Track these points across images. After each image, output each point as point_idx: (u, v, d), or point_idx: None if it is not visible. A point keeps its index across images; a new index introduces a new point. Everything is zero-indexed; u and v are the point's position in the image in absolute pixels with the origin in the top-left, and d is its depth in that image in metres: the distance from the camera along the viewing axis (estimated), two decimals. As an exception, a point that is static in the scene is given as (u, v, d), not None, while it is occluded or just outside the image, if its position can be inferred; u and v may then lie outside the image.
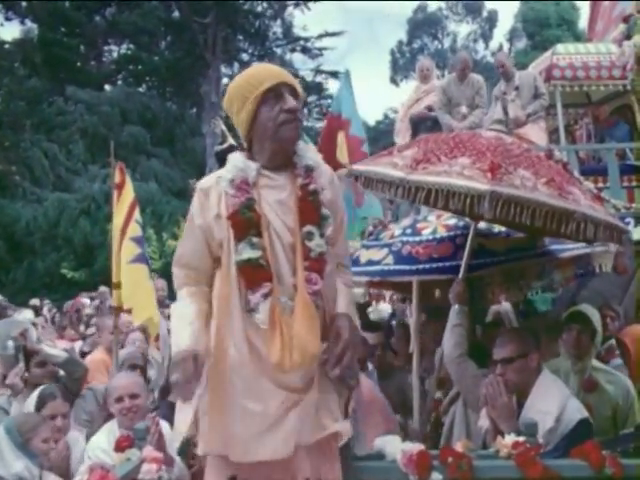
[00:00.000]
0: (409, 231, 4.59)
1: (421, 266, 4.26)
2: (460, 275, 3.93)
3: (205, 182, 2.55)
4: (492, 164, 3.09)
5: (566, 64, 8.91)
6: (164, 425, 3.23)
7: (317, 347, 2.38)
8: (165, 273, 16.16)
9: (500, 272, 4.34)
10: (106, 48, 32.37)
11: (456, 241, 4.28)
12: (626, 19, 4.01)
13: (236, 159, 2.52)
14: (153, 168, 25.94)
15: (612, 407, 3.65)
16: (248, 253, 2.38)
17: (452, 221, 4.47)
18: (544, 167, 3.32)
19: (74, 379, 4.35)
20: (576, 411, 3.06)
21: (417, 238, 4.45)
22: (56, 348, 4.62)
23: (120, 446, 2.83)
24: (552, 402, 3.07)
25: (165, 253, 17.76)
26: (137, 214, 5.15)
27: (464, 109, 7.45)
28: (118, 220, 5.08)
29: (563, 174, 3.42)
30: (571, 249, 4.41)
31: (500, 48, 36.52)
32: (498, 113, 7.26)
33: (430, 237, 4.41)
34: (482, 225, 4.27)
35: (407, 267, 4.31)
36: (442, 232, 4.39)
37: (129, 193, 5.18)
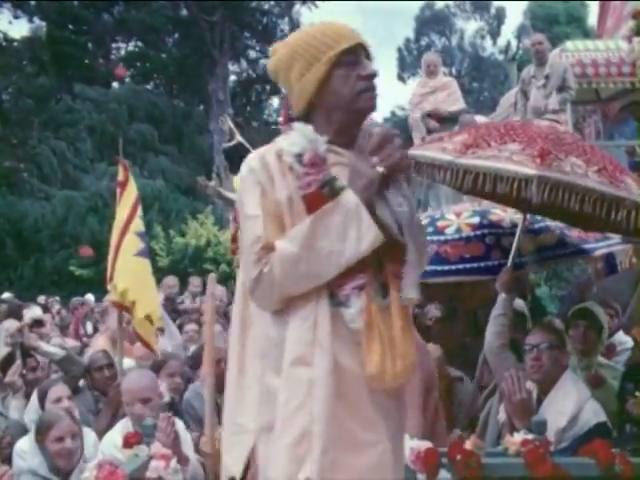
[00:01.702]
0: (430, 229, 4.42)
1: (454, 267, 4.17)
2: (508, 264, 3.86)
3: (264, 153, 2.05)
4: (542, 150, 3.11)
5: (575, 61, 8.90)
6: (179, 424, 3.25)
7: (415, 356, 1.99)
8: (172, 270, 16.18)
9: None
10: (114, 46, 32.41)
11: (486, 240, 4.23)
12: (636, 15, 3.98)
13: (303, 129, 2.05)
14: (160, 165, 25.98)
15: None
16: None
17: (475, 219, 4.41)
18: (596, 156, 3.33)
19: (71, 377, 4.35)
20: (593, 414, 3.04)
21: (442, 237, 4.34)
22: (54, 346, 4.63)
23: (128, 442, 2.84)
24: (570, 402, 3.06)
25: (172, 250, 17.75)
26: (140, 211, 5.13)
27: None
28: (121, 216, 5.04)
29: (616, 164, 3.41)
30: (601, 247, 4.39)
31: (508, 45, 36.38)
32: (510, 97, 7.17)
33: (456, 236, 4.32)
34: (507, 224, 4.24)
35: (438, 267, 4.17)
36: (468, 231, 4.31)
37: (132, 190, 5.16)
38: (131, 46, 32.69)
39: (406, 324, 1.98)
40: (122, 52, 32.99)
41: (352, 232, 1.92)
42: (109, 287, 4.91)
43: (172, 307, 7.23)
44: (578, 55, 8.89)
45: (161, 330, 5.42)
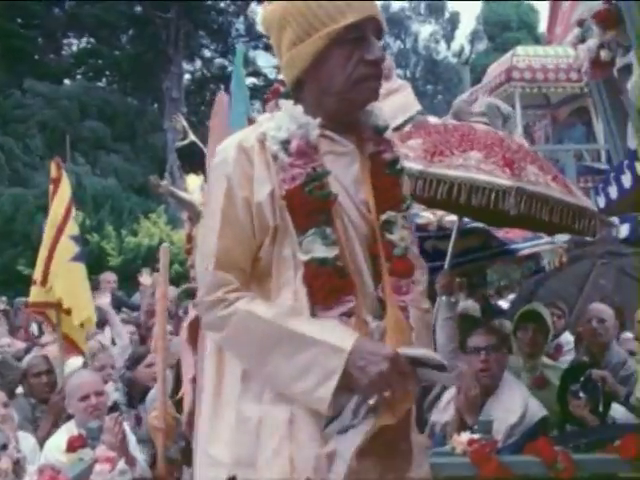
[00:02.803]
0: None
1: None
2: (445, 266, 3.91)
3: (242, 139, 1.71)
4: (505, 159, 3.12)
5: (525, 66, 9.06)
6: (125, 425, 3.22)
7: (414, 380, 1.64)
8: (123, 270, 15.98)
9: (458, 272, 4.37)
10: (65, 41, 31.84)
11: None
12: (581, 23, 4.09)
13: (292, 110, 1.72)
14: (113, 164, 25.56)
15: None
16: (321, 250, 1.64)
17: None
18: (544, 163, 3.38)
19: (7, 382, 4.25)
20: (538, 408, 3.13)
21: None
22: None
23: (72, 446, 2.79)
24: (517, 399, 3.13)
25: (124, 250, 17.54)
26: (74, 212, 5.08)
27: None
28: (55, 215, 4.97)
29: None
30: (527, 247, 4.47)
31: (462, 49, 36.87)
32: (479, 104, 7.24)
33: None
34: (433, 227, 4.29)
35: None
36: None
37: (66, 190, 5.08)
38: (83, 42, 32.16)
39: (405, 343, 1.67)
40: (74, 48, 32.44)
41: (311, 379, 1.57)
42: (38, 287, 4.81)
43: (122, 303, 7.10)
44: (528, 60, 9.06)
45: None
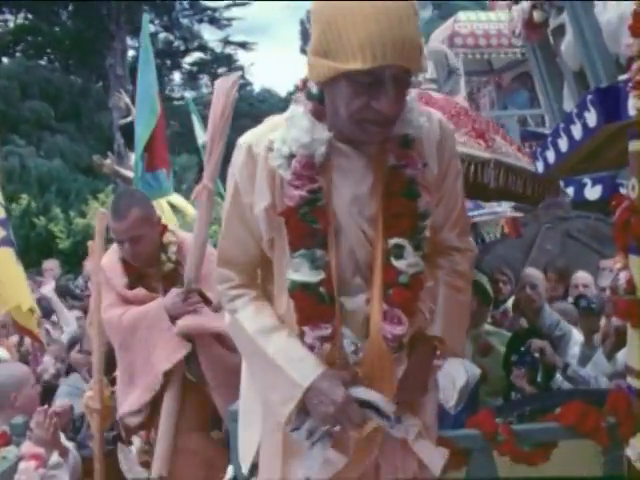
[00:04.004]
0: None
1: None
2: None
3: (253, 142, 1.68)
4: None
5: (468, 32, 9.03)
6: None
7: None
8: (72, 253, 15.66)
9: None
10: (0, 17, 30.74)
11: None
12: (516, -15, 4.04)
13: (300, 121, 1.63)
14: (58, 144, 24.98)
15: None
16: (305, 274, 1.63)
17: None
18: (464, 120, 3.36)
19: None
20: (474, 368, 3.10)
21: None
22: None
23: (-5, 444, 2.65)
24: (457, 364, 3.09)
25: (73, 232, 17.17)
26: (0, 196, 4.80)
27: None
28: None
29: (484, 125, 3.45)
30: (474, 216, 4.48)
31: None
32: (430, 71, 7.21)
33: None
34: None
35: None
36: None
37: None
38: (20, 18, 31.05)
39: (381, 386, 1.67)
40: (10, 24, 31.33)
41: (276, 395, 1.71)
42: None
43: (67, 292, 6.91)
44: (471, 26, 9.02)
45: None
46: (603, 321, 3.65)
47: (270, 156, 1.65)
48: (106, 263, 3.07)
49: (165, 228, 3.10)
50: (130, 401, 2.93)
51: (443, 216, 1.81)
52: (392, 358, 1.70)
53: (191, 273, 2.91)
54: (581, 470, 2.36)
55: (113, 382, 3.19)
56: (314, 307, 1.64)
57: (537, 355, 3.28)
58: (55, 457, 2.88)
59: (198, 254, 2.91)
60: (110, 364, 3.20)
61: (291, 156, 1.62)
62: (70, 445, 3.06)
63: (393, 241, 1.64)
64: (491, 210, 4.66)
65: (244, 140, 1.71)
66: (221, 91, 2.90)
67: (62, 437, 3.00)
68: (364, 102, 1.51)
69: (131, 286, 2.99)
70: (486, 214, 4.69)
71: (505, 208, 4.67)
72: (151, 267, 3.02)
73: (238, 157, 1.69)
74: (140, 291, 2.97)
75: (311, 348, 1.67)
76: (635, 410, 2.31)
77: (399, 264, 1.64)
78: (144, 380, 2.90)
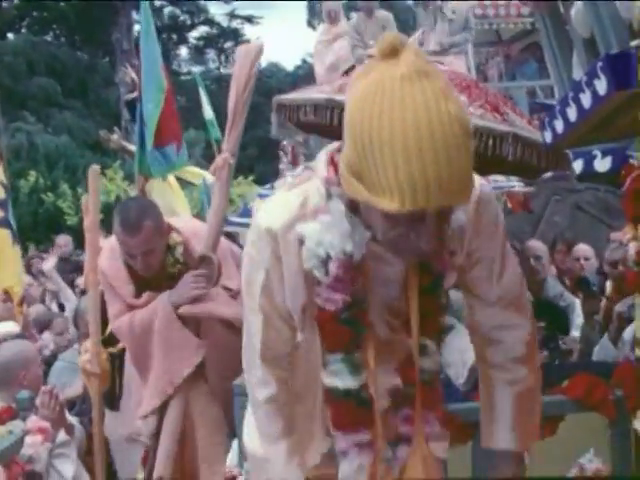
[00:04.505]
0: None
1: None
2: None
3: (279, 232, 1.48)
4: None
5: (476, 2, 8.88)
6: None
7: None
8: (81, 229, 15.62)
9: None
10: (5, -7, 30.56)
11: None
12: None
13: (338, 220, 1.43)
14: (66, 120, 24.99)
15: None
16: (346, 380, 1.51)
17: None
18: (476, 92, 3.35)
19: None
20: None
21: None
22: None
23: (0, 418, 2.65)
24: (466, 337, 3.07)
25: (81, 208, 17.17)
26: (2, 175, 4.76)
27: (371, 44, 7.39)
28: None
29: (496, 98, 3.44)
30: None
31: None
32: (433, 43, 7.16)
33: None
34: None
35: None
36: None
37: None
38: (24, -7, 30.88)
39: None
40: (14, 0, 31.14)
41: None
42: None
43: (69, 267, 6.92)
44: (479, -5, 8.91)
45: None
46: (604, 302, 3.65)
47: (302, 253, 1.46)
48: (108, 269, 2.85)
49: (170, 228, 2.86)
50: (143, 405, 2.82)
51: (484, 277, 1.61)
52: (439, 467, 1.63)
53: (209, 249, 2.77)
54: (588, 443, 2.35)
55: (104, 343, 3.13)
56: (355, 413, 1.53)
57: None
58: (62, 435, 2.87)
59: (215, 230, 2.79)
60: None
61: (328, 259, 1.44)
62: (74, 420, 3.06)
63: (417, 340, 1.55)
64: (496, 185, 4.59)
65: (268, 226, 1.49)
66: (245, 60, 2.74)
67: (66, 413, 3.00)
68: (401, 232, 1.33)
69: (137, 292, 2.81)
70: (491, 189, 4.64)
71: (512, 182, 4.60)
72: (158, 272, 2.83)
73: (263, 245, 1.50)
74: (149, 297, 2.79)
75: (344, 454, 1.55)
76: (643, 382, 2.29)
77: (423, 363, 1.56)
78: (157, 384, 2.77)
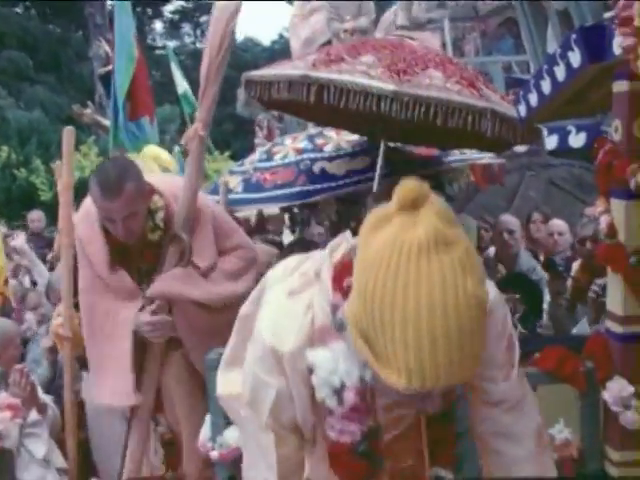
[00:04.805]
0: (264, 156, 4.47)
1: (264, 194, 4.16)
2: (374, 188, 3.80)
3: (286, 355, 1.41)
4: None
5: (453, -25, 8.85)
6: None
7: None
8: (55, 204, 15.44)
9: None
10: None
11: (300, 166, 4.20)
12: None
13: (353, 354, 1.35)
14: (38, 95, 24.55)
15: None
16: None
17: (302, 144, 4.37)
18: (451, 68, 3.33)
19: None
20: None
21: (268, 164, 4.36)
22: None
23: (-30, 395, 2.63)
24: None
25: (55, 183, 16.97)
26: None
27: (347, 18, 7.34)
28: None
29: (470, 74, 3.45)
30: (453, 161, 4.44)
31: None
32: (402, 18, 7.17)
33: (280, 162, 4.32)
34: (329, 148, 4.23)
35: (252, 196, 4.20)
36: (291, 156, 4.31)
37: None
38: (-6, -36, 30.18)
39: None
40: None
41: None
42: None
43: (41, 242, 6.85)
44: (456, -31, 8.86)
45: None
46: (569, 282, 3.71)
47: (312, 380, 1.39)
48: (84, 233, 2.65)
49: (152, 190, 2.63)
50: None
51: (488, 377, 1.56)
52: None
53: (180, 227, 2.61)
54: (558, 414, 2.37)
55: (77, 307, 3.05)
56: None
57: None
58: (34, 415, 2.85)
59: (188, 205, 2.62)
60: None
61: (343, 388, 1.37)
62: (48, 398, 3.03)
63: (432, 472, 1.49)
64: (463, 157, 4.56)
65: (274, 347, 1.42)
66: (221, 14, 2.57)
67: (40, 392, 2.97)
68: (406, 399, 1.34)
69: (112, 262, 2.60)
70: (457, 161, 4.56)
71: (481, 154, 4.58)
72: (138, 238, 2.62)
73: (269, 366, 1.44)
74: (123, 278, 2.60)
75: None
76: (612, 355, 2.31)
77: None
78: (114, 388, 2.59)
